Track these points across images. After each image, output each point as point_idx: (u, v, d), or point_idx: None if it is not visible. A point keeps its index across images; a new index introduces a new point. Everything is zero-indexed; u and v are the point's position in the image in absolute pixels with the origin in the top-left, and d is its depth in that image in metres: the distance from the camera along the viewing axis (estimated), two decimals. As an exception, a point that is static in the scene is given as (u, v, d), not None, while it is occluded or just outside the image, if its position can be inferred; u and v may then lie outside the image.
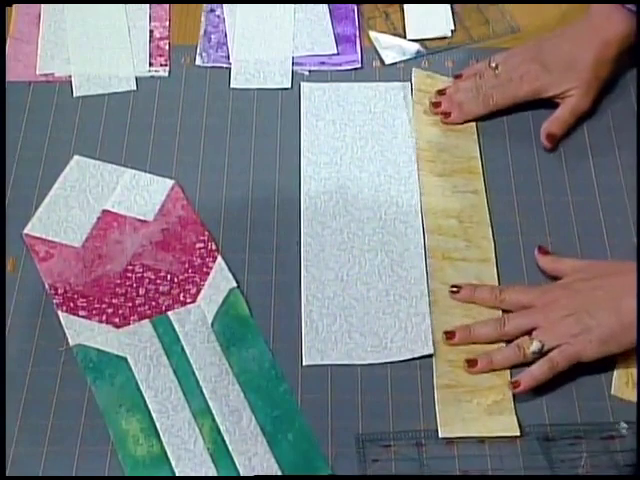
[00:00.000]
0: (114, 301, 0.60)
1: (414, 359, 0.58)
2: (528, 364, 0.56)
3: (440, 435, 0.54)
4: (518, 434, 0.54)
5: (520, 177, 0.66)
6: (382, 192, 0.65)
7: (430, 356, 0.57)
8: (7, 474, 0.53)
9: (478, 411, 0.55)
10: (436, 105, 0.69)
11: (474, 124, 0.68)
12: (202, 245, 0.62)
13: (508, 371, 0.57)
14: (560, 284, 0.58)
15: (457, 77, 0.70)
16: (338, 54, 0.73)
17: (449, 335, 0.58)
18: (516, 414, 0.55)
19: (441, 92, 0.69)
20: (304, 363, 0.58)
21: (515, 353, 0.56)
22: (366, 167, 0.66)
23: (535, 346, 0.55)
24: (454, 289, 0.60)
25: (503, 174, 0.66)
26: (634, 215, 0.64)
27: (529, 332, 0.56)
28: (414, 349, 0.58)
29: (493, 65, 0.67)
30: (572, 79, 0.66)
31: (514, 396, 0.56)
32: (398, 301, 0.60)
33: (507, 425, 0.55)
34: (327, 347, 0.58)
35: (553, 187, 0.66)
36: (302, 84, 0.71)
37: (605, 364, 0.57)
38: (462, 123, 0.68)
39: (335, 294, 0.60)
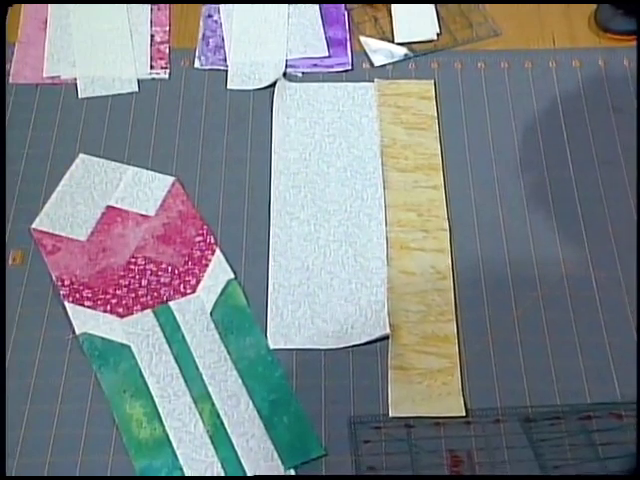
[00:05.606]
0: (118, 292, 0.61)
1: (380, 346, 0.59)
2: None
3: (390, 414, 0.56)
4: (463, 414, 0.56)
5: (478, 174, 0.67)
6: (348, 186, 0.66)
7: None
8: (17, 457, 0.54)
9: (428, 392, 0.57)
10: None
11: (436, 123, 0.69)
12: (201, 239, 0.64)
13: (457, 354, 0.58)
14: None
15: None
16: (330, 57, 0.73)
17: None
18: (463, 395, 0.57)
19: None
20: (270, 347, 0.59)
21: None
22: (334, 163, 0.67)
23: None
24: None
25: (461, 171, 0.67)
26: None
27: None
28: (372, 333, 0.59)
29: None
30: None
31: (462, 378, 0.57)
32: (359, 289, 0.61)
33: (454, 406, 0.56)
34: (291, 332, 0.59)
35: (508, 183, 0.66)
36: (277, 83, 0.71)
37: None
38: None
39: (300, 282, 0.62)
